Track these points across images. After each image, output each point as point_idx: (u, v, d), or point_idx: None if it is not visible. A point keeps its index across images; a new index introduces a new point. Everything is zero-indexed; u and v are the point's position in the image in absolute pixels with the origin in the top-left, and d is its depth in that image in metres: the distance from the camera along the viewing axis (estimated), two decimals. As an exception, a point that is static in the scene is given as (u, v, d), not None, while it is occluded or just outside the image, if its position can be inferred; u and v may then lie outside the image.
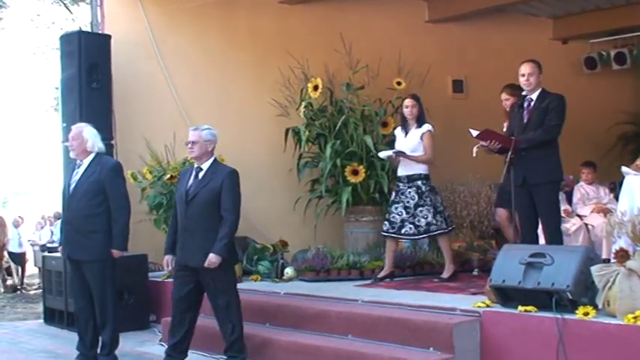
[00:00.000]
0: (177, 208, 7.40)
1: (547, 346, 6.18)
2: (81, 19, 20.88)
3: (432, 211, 8.92)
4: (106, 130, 9.66)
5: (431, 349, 6.65)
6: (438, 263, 9.82)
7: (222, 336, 7.36)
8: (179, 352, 7.37)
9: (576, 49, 14.71)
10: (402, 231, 8.98)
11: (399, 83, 10.89)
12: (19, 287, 17.91)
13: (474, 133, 7.95)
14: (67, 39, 10.03)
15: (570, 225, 9.87)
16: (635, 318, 5.83)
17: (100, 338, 7.59)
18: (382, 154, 9.17)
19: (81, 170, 7.55)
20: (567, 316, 6.16)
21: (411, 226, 8.93)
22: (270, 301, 8.39)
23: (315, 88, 10.54)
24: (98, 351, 7.58)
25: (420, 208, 8.92)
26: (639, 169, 8.71)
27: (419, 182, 8.98)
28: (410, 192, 8.98)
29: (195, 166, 7.39)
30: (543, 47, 13.70)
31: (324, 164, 10.53)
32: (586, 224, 9.95)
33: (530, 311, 6.43)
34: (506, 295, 6.72)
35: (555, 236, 7.81)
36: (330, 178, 10.70)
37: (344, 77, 10.84)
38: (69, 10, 22.08)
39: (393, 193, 9.18)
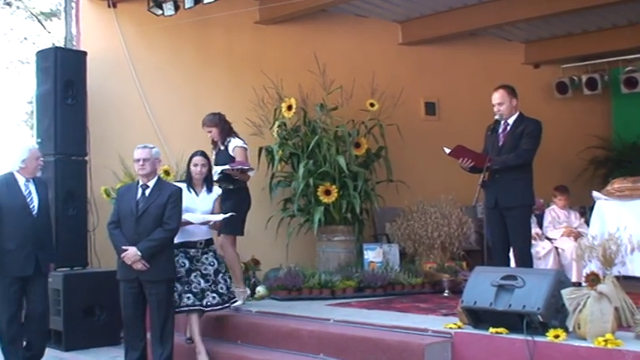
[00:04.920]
0: (124, 225, 7.50)
1: (518, 367, 6.20)
2: (54, 35, 20.85)
3: (226, 278, 8.14)
4: (80, 146, 9.82)
5: (402, 369, 6.66)
6: (409, 284, 9.93)
7: (153, 355, 7.50)
8: None
9: (548, 73, 14.88)
10: (205, 302, 7.83)
11: (372, 105, 11.01)
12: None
13: (447, 150, 8.03)
14: (43, 55, 10.00)
15: (540, 248, 9.99)
16: (605, 341, 5.88)
17: (35, 346, 8.03)
18: (196, 219, 7.90)
19: (33, 188, 7.87)
20: (538, 339, 6.19)
21: (214, 295, 7.88)
22: (242, 319, 8.40)
23: (289, 108, 10.59)
24: None
25: (221, 275, 8.01)
26: (610, 194, 8.85)
27: (213, 246, 8.16)
28: (208, 258, 7.96)
29: (141, 183, 7.53)
30: (515, 71, 13.86)
31: (297, 184, 10.59)
32: (556, 248, 10.08)
33: (501, 333, 6.46)
34: (478, 317, 6.76)
35: (525, 259, 7.89)
36: (302, 198, 10.74)
37: (318, 98, 10.92)
38: (42, 26, 22.01)
39: (185, 261, 7.84)
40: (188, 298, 7.70)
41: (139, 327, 7.58)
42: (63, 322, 9.23)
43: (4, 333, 7.83)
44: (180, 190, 7.74)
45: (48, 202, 8.14)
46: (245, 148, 9.12)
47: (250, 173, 9.04)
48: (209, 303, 7.80)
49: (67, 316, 9.22)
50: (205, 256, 7.92)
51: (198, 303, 7.73)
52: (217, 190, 8.18)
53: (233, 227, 8.72)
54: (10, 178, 7.86)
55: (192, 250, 7.86)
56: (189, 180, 8.05)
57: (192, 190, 8.00)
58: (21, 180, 7.83)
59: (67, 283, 9.24)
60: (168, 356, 7.47)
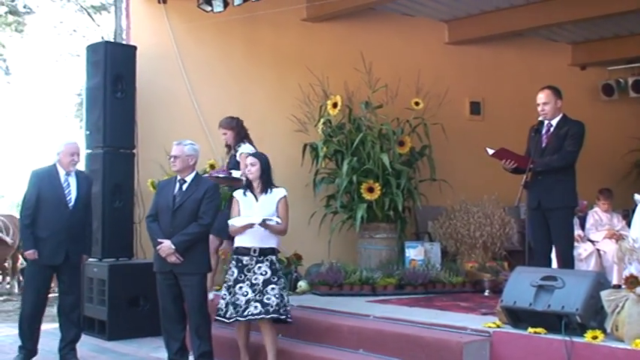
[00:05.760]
0: (161, 218, 7.63)
1: (555, 367, 6.24)
2: (104, 28, 21.13)
3: (281, 289, 7.44)
4: (128, 139, 10.01)
5: (441, 366, 6.72)
6: (450, 282, 9.95)
7: (191, 346, 7.64)
8: (180, 356, 7.69)
9: (594, 75, 14.84)
10: (246, 312, 7.30)
11: (417, 103, 11.03)
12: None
13: (490, 151, 8.07)
14: (93, 49, 10.18)
15: (582, 250, 10.00)
16: None
17: (65, 335, 8.24)
18: (238, 222, 7.47)
19: (73, 182, 8.12)
20: (576, 339, 6.20)
21: (257, 304, 7.28)
22: None
23: (335, 105, 10.65)
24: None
25: (272, 286, 7.34)
26: (652, 197, 8.81)
27: (273, 257, 7.50)
28: (260, 267, 7.39)
29: (179, 178, 7.66)
30: (561, 72, 13.86)
31: (340, 180, 10.64)
32: (598, 250, 10.08)
33: (540, 333, 6.48)
34: (517, 316, 6.78)
35: (568, 260, 7.89)
36: (345, 195, 10.80)
37: (363, 96, 10.97)
38: (92, 19, 22.29)
39: (235, 270, 7.47)
40: (224, 310, 7.44)
41: (177, 318, 7.67)
42: (107, 311, 9.45)
43: (28, 316, 8.10)
44: (216, 186, 7.88)
45: (89, 196, 8.33)
46: None
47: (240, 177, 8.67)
48: (249, 313, 7.29)
49: (111, 306, 9.43)
50: (259, 265, 7.40)
51: (235, 315, 7.36)
52: (279, 192, 7.60)
53: (222, 230, 8.35)
54: (52, 171, 8.11)
55: (246, 259, 7.43)
56: (249, 183, 7.64)
57: (248, 194, 7.59)
58: (61, 172, 8.07)
59: (112, 274, 9.45)
60: (208, 350, 7.57)
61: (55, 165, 8.12)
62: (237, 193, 7.71)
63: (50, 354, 8.31)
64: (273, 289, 7.33)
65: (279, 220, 7.40)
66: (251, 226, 7.38)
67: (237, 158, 9.05)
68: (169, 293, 7.64)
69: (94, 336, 9.53)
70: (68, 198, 8.03)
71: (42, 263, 7.99)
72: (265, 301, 7.29)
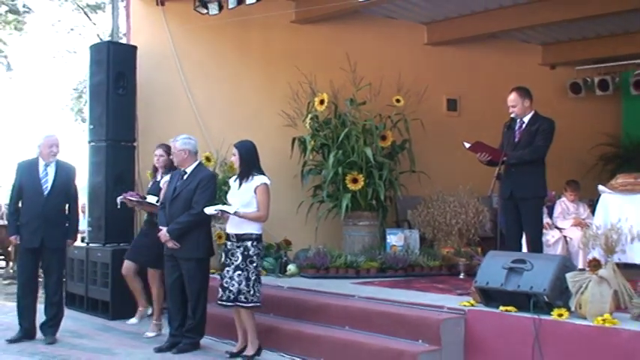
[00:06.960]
0: (166, 207, 8.15)
1: (524, 342, 6.64)
2: (99, 27, 21.28)
3: (247, 277, 7.60)
4: (129, 133, 10.45)
5: (420, 341, 7.17)
6: (428, 266, 10.41)
7: (190, 318, 8.07)
8: (180, 332, 8.12)
9: (563, 74, 15.24)
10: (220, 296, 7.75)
11: (398, 100, 11.43)
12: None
13: (467, 145, 8.46)
14: (96, 48, 10.60)
15: (550, 237, 10.40)
16: (603, 320, 6.31)
17: (45, 312, 8.67)
18: (207, 211, 7.66)
19: (51, 171, 8.58)
20: (543, 317, 6.62)
21: (226, 290, 7.68)
22: (274, 294, 8.83)
23: (321, 102, 11.04)
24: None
25: (239, 272, 7.59)
26: (614, 188, 9.31)
27: (248, 243, 7.64)
28: (237, 253, 7.65)
29: (181, 169, 8.17)
30: (532, 72, 14.29)
31: (327, 172, 11.05)
32: (565, 236, 10.47)
33: (510, 311, 6.89)
34: (489, 296, 7.20)
35: (537, 246, 8.32)
36: (331, 185, 11.19)
37: (348, 93, 11.35)
38: (88, 18, 22.42)
39: (223, 254, 7.92)
40: (220, 293, 7.76)
41: (177, 297, 8.12)
42: (110, 293, 9.88)
43: (19, 295, 8.64)
44: (211, 175, 8.27)
45: (69, 184, 8.68)
46: None
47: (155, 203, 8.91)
48: (222, 297, 7.72)
49: (114, 288, 9.87)
50: (239, 250, 7.65)
51: (224, 298, 7.70)
52: (258, 180, 7.63)
53: (159, 261, 8.56)
54: (33, 162, 8.64)
55: (229, 244, 7.72)
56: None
57: (237, 182, 7.79)
58: (41, 163, 8.58)
59: (115, 258, 9.85)
60: (198, 327, 8.07)
61: (37, 157, 8.61)
62: (231, 180, 8.09)
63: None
64: (239, 275, 7.58)
65: (231, 210, 7.57)
66: (222, 213, 7.70)
67: (161, 185, 8.89)
68: (171, 275, 8.13)
69: (98, 316, 9.95)
70: (45, 186, 8.47)
71: (23, 247, 8.55)
72: (230, 288, 7.61)
